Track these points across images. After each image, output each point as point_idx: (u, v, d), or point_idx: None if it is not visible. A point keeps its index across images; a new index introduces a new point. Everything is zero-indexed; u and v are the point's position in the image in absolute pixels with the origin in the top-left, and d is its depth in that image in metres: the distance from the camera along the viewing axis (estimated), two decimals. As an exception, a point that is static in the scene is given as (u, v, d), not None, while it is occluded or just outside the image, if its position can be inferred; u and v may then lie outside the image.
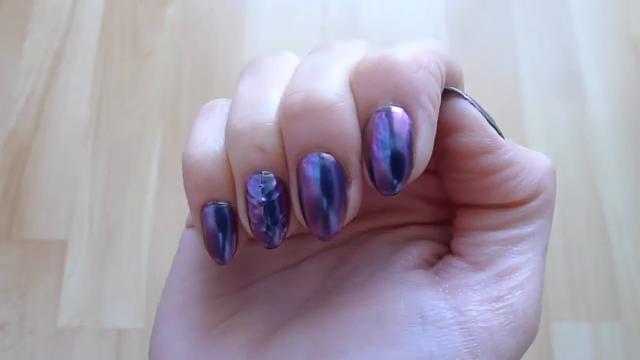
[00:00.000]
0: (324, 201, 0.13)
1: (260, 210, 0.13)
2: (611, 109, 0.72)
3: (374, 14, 0.77)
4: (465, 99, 0.15)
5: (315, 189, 0.13)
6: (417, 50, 0.13)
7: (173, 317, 0.16)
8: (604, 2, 0.77)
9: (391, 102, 0.13)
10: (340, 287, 0.16)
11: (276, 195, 0.13)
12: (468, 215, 0.16)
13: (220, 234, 0.14)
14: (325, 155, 0.13)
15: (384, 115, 0.13)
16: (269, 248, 0.14)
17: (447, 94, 0.15)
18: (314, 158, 0.13)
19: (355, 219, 0.17)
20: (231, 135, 0.14)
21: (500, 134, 0.15)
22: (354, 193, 0.13)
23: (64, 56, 0.74)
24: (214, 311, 0.16)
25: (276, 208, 0.14)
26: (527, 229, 0.15)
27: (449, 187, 0.16)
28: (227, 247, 0.15)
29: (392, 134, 0.13)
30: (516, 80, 0.73)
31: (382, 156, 0.13)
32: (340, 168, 0.13)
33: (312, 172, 0.13)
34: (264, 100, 0.14)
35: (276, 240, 0.14)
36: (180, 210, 0.67)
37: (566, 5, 0.77)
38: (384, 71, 0.13)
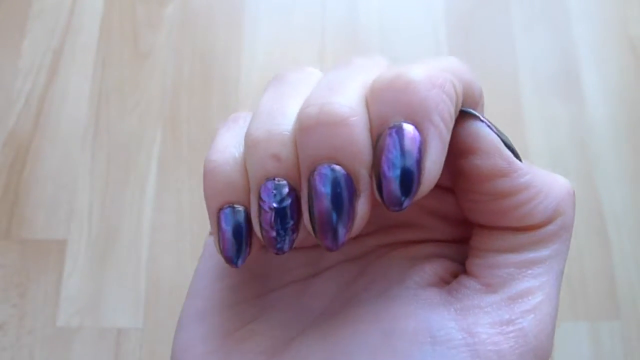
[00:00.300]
0: (332, 212, 0.13)
1: (270, 216, 0.14)
2: (610, 108, 0.72)
3: (373, 14, 0.77)
4: (482, 121, 0.15)
5: (324, 200, 0.13)
6: (432, 68, 0.14)
7: (193, 322, 0.16)
8: (603, 2, 0.77)
9: (403, 120, 0.13)
10: (356, 299, 0.16)
11: (287, 202, 0.14)
12: (483, 236, 0.16)
13: (234, 237, 0.15)
14: (336, 167, 0.13)
15: (395, 132, 0.13)
16: (278, 254, 0.14)
17: (464, 115, 0.15)
18: (325, 170, 0.13)
19: (374, 233, 0.17)
20: (248, 143, 0.14)
21: (517, 156, 0.15)
22: (362, 206, 0.14)
23: (63, 55, 0.74)
24: (233, 318, 0.16)
25: (287, 215, 0.14)
26: (542, 253, 0.15)
27: (464, 207, 0.16)
28: (240, 251, 0.15)
29: (402, 151, 0.13)
30: (515, 80, 0.73)
31: (391, 173, 0.13)
32: (350, 180, 0.13)
33: (322, 184, 0.13)
34: (282, 111, 0.15)
35: (285, 246, 0.14)
36: (179, 209, 0.67)
37: (565, 5, 0.77)
38: (397, 89, 0.13)
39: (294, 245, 0.14)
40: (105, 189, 0.68)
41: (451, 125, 0.14)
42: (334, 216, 0.13)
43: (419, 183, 0.13)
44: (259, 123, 0.14)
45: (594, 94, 0.73)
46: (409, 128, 0.13)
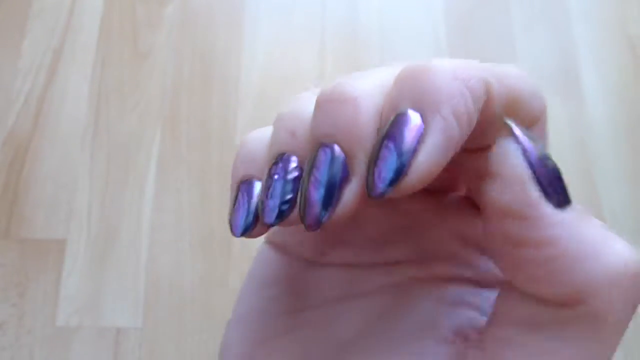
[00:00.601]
0: (317, 191, 0.13)
1: (271, 185, 0.14)
2: (609, 107, 0.72)
3: (373, 14, 0.77)
4: (519, 142, 0.12)
5: (313, 176, 0.13)
6: (465, 63, 0.12)
7: (235, 324, 0.17)
8: (602, 2, 0.77)
9: (411, 107, 0.12)
10: (380, 337, 0.16)
11: (291, 176, 0.14)
12: (502, 295, 0.13)
13: (243, 207, 0.15)
14: (336, 147, 0.13)
15: (398, 119, 0.12)
16: (266, 224, 0.14)
17: (504, 129, 0.13)
18: (325, 148, 0.13)
19: (414, 261, 0.17)
20: (274, 121, 0.15)
21: (559, 198, 0.12)
22: (349, 192, 0.13)
23: (62, 55, 0.74)
24: (266, 328, 0.16)
25: (287, 188, 0.14)
26: (557, 343, 0.12)
27: (486, 245, 0.14)
28: (246, 222, 0.15)
29: (400, 138, 0.12)
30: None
31: (380, 157, 0.12)
32: (345, 162, 0.13)
33: (318, 160, 0.13)
34: (311, 97, 0.15)
35: (273, 218, 0.14)
36: (178, 209, 0.67)
37: (564, 4, 0.77)
38: (415, 76, 0.12)
39: (284, 221, 0.14)
40: (104, 189, 0.68)
41: (467, 126, 0.12)
42: (317, 194, 0.13)
43: (404, 175, 0.12)
44: (289, 106, 0.15)
45: (593, 94, 0.73)
46: (414, 116, 0.12)
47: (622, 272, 0.11)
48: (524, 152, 0.12)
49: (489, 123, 0.13)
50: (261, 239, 0.17)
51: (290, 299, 0.17)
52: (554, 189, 0.12)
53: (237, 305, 0.17)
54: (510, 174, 0.12)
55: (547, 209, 0.12)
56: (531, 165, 0.12)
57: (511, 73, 0.13)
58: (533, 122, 0.14)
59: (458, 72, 0.12)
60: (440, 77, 0.12)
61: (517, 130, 0.12)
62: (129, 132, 0.70)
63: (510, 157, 0.12)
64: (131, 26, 0.75)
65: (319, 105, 0.13)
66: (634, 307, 0.12)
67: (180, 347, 0.62)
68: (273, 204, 0.14)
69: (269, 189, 0.14)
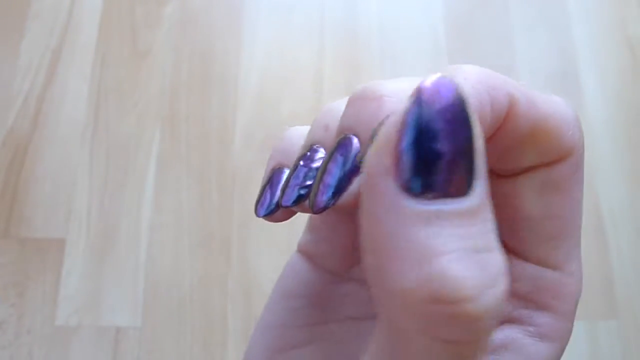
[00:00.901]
0: (329, 176, 0.14)
1: (294, 170, 0.15)
2: (608, 108, 0.72)
3: (372, 14, 0.77)
4: (419, 102, 0.10)
5: (330, 164, 0.14)
6: (496, 74, 0.12)
7: (258, 333, 0.18)
8: (601, 2, 0.77)
9: None
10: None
11: (316, 165, 0.15)
12: None
13: (269, 190, 0.16)
14: (355, 139, 0.13)
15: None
16: (284, 207, 0.15)
17: None
18: (344, 140, 0.13)
19: None
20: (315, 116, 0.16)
21: (429, 183, 0.09)
22: (356, 183, 0.13)
23: (61, 55, 0.74)
24: (286, 338, 0.17)
25: (309, 174, 0.14)
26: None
27: None
28: (269, 202, 0.16)
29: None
30: (513, 80, 0.73)
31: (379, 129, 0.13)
32: (358, 154, 0.13)
33: (336, 149, 0.14)
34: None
35: (290, 200, 0.15)
36: (178, 209, 0.67)
37: (563, 5, 0.77)
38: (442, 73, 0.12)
39: (300, 204, 0.15)
40: (103, 188, 0.68)
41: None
42: (329, 180, 0.14)
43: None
44: (328, 104, 0.15)
45: (592, 94, 0.73)
46: None
47: (410, 292, 0.09)
48: (418, 116, 0.09)
49: (515, 143, 0.12)
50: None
51: (314, 311, 0.17)
52: (430, 170, 0.09)
53: (263, 312, 0.18)
54: (379, 135, 0.10)
55: (385, 185, 0.09)
56: (413, 133, 0.09)
57: (548, 98, 0.12)
58: (564, 154, 0.13)
59: (483, 77, 0.12)
60: (464, 76, 0.12)
61: (425, 92, 0.10)
62: (128, 131, 0.70)
63: (391, 118, 0.10)
64: (130, 26, 0.75)
65: (349, 101, 0.14)
66: (440, 340, 0.09)
67: (179, 346, 0.62)
68: (293, 187, 0.15)
69: (292, 171, 0.15)
